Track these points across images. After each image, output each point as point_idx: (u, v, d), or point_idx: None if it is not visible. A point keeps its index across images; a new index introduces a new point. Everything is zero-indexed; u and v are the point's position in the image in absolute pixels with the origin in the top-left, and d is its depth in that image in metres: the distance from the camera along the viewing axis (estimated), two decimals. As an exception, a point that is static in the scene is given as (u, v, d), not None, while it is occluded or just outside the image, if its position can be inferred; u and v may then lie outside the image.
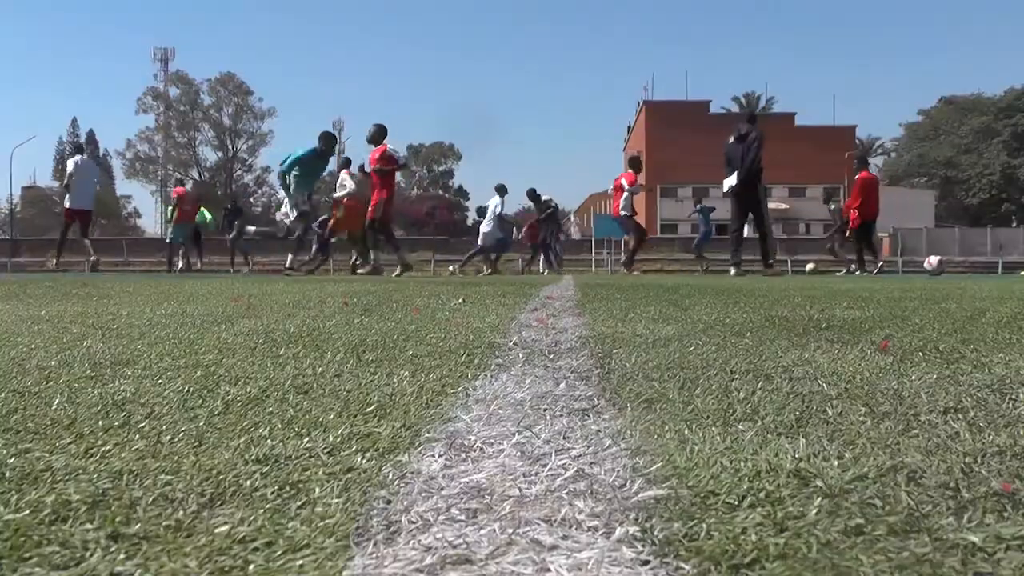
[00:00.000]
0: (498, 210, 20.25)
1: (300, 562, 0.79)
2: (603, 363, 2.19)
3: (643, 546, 0.84)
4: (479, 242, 20.59)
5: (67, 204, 16.31)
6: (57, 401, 1.62)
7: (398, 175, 15.55)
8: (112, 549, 0.82)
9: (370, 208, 13.74)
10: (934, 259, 18.17)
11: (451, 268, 21.87)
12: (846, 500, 0.98)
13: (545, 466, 1.14)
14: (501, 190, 20.35)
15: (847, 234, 17.43)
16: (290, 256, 15.06)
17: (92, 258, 16.80)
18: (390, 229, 14.50)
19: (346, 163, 16.52)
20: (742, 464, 1.14)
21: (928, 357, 2.32)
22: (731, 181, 13.88)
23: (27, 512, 0.93)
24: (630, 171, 18.04)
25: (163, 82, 78.79)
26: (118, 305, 4.71)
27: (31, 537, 0.85)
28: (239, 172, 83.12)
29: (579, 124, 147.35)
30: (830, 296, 5.76)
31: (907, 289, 7.04)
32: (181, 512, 0.94)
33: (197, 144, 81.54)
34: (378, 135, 13.78)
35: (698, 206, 24.18)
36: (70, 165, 16.36)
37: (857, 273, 16.25)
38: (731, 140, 14.27)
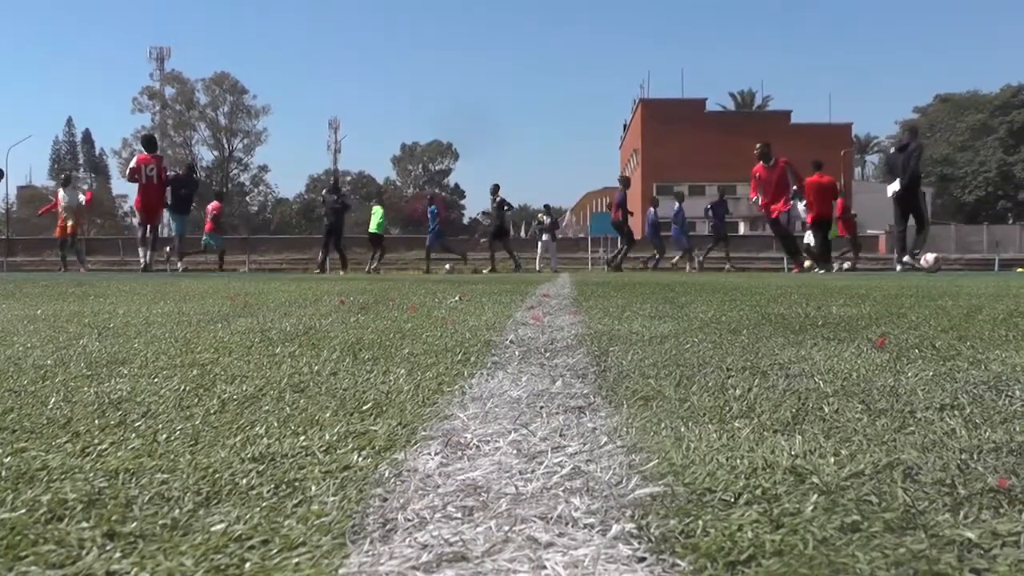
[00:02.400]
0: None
1: (296, 560, 0.79)
2: (599, 361, 2.19)
3: (639, 543, 0.84)
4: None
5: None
6: (53, 400, 1.62)
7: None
8: (108, 548, 0.82)
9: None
10: (930, 256, 18.20)
11: (447, 266, 21.83)
12: (842, 497, 0.98)
13: (541, 464, 1.14)
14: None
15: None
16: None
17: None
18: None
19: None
20: (738, 461, 1.14)
21: (924, 354, 2.33)
22: (895, 187, 15.05)
23: (23, 511, 0.92)
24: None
25: (159, 81, 78.76)
26: (114, 304, 4.71)
27: (27, 536, 0.85)
28: (235, 171, 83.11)
29: (575, 122, 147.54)
30: (826, 293, 5.77)
31: (903, 286, 7.05)
32: (177, 510, 0.93)
33: (193, 143, 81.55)
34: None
35: (709, 204, 23.85)
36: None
37: (818, 271, 16.59)
38: (893, 150, 15.88)
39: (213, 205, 21.03)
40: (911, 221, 15.24)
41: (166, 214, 18.14)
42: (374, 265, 20.89)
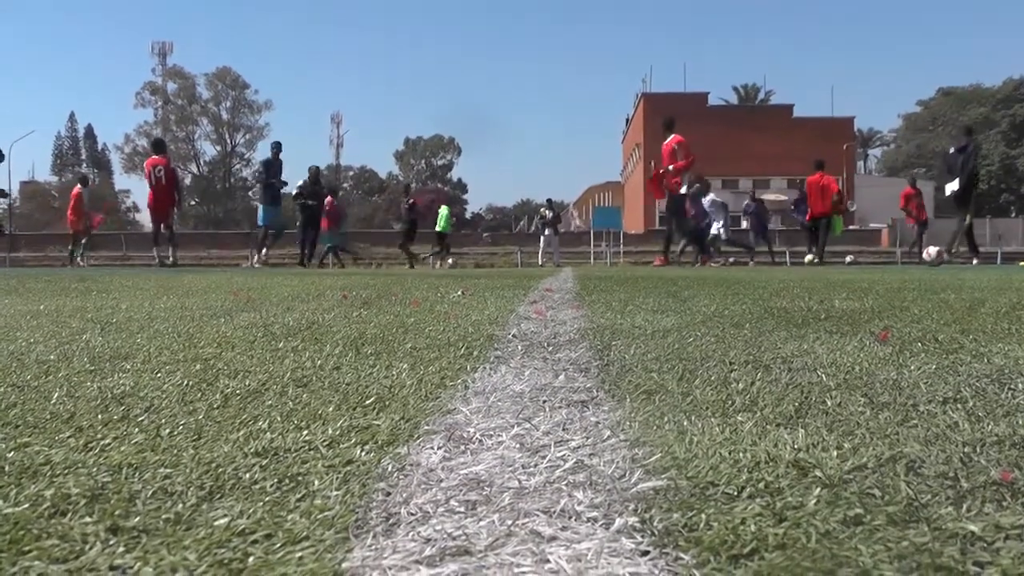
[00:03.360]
0: None
1: (299, 554, 0.79)
2: (602, 355, 2.19)
3: (642, 537, 0.84)
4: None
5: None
6: (56, 395, 1.62)
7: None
8: (111, 542, 0.82)
9: None
10: (933, 250, 18.23)
11: (449, 260, 21.87)
12: (845, 490, 0.98)
13: (544, 458, 1.14)
14: None
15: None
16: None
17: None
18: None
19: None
20: (741, 455, 1.14)
21: (927, 347, 2.32)
22: (953, 186, 15.47)
23: (26, 506, 0.93)
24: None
25: (161, 76, 78.72)
26: (117, 299, 4.71)
27: (31, 531, 0.85)
28: (237, 166, 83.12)
29: (578, 117, 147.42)
30: (829, 287, 5.76)
31: (906, 280, 7.04)
32: (180, 505, 0.94)
33: (195, 138, 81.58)
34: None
35: (749, 201, 23.57)
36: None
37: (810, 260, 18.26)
38: (951, 150, 15.99)
39: (327, 201, 20.99)
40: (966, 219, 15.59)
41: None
42: (449, 261, 21.20)
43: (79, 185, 20.50)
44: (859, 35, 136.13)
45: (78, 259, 19.86)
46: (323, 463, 1.11)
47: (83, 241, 19.88)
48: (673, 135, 15.97)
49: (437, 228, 22.81)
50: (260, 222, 17.66)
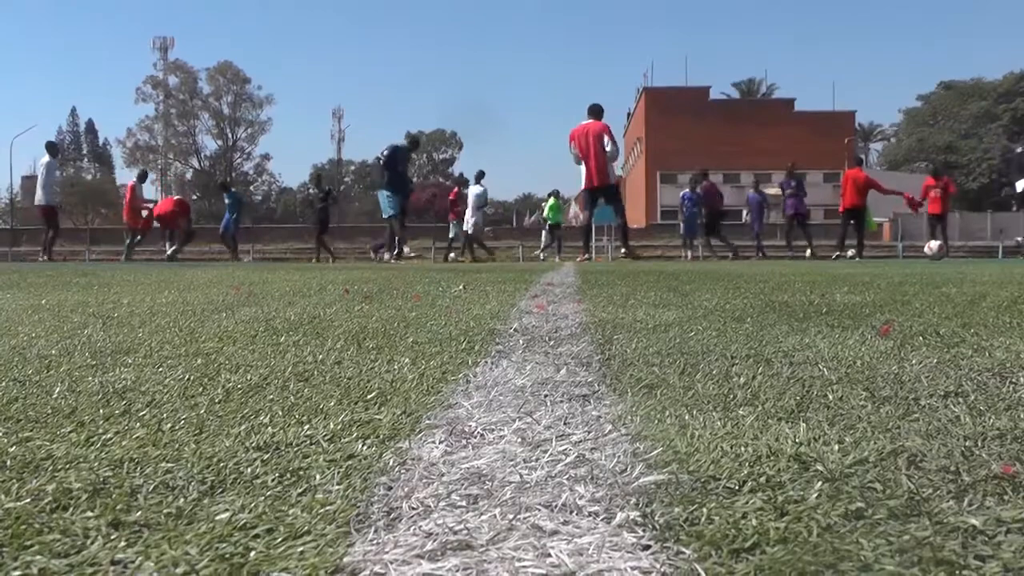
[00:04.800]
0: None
1: (301, 549, 0.79)
2: (603, 349, 2.19)
3: (644, 531, 0.84)
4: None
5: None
6: (58, 390, 1.62)
7: None
8: (113, 537, 0.82)
9: None
10: (934, 244, 18.28)
11: (451, 255, 21.85)
12: (846, 484, 0.98)
13: (546, 452, 1.14)
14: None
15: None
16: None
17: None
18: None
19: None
20: (743, 449, 1.14)
21: (928, 341, 2.32)
22: (1022, 183, 15.62)
23: (28, 500, 0.93)
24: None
25: (162, 71, 78.58)
26: (119, 294, 4.71)
27: (32, 525, 0.85)
28: (239, 160, 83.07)
29: (580, 111, 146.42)
30: (830, 281, 5.76)
31: (907, 274, 7.04)
32: (182, 500, 0.94)
33: (197, 133, 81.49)
34: None
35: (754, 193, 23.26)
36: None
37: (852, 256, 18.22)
38: (1019, 150, 16.24)
39: (453, 192, 20.95)
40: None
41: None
42: (561, 254, 21.22)
43: (135, 180, 20.46)
44: (860, 29, 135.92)
45: (128, 253, 19.76)
46: (324, 457, 1.11)
47: (138, 238, 19.81)
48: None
49: (548, 221, 22.80)
50: (390, 211, 15.71)
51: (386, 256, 16.13)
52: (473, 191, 20.89)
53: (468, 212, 20.98)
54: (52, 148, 18.27)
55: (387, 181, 15.44)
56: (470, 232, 21.06)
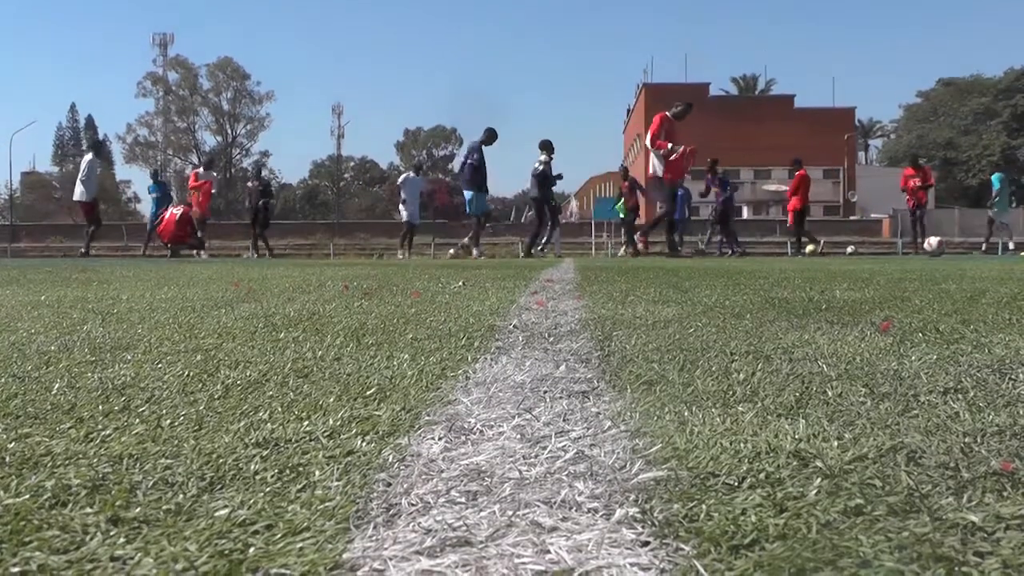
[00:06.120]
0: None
1: (300, 545, 0.79)
2: (603, 345, 2.19)
3: (643, 527, 0.84)
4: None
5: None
6: (57, 386, 1.62)
7: None
8: (112, 533, 0.82)
9: None
10: (934, 240, 18.33)
11: (450, 251, 21.82)
12: (846, 480, 0.98)
13: (545, 448, 1.14)
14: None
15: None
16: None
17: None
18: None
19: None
20: (742, 445, 1.14)
21: (928, 338, 2.32)
22: None
23: (27, 496, 0.93)
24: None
25: (162, 67, 78.48)
26: (118, 290, 4.71)
27: (31, 521, 0.85)
28: (238, 156, 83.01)
29: (579, 107, 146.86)
30: (830, 278, 5.76)
31: (907, 270, 7.04)
32: (181, 496, 0.94)
33: (196, 129, 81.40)
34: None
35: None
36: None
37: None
38: None
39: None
40: None
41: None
42: (630, 249, 21.19)
43: (204, 169, 20.47)
44: (860, 25, 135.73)
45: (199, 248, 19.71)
46: (324, 454, 1.11)
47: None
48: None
49: (620, 215, 22.77)
50: (475, 210, 16.13)
51: (474, 252, 16.24)
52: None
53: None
54: (98, 146, 18.32)
55: (480, 180, 15.80)
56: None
